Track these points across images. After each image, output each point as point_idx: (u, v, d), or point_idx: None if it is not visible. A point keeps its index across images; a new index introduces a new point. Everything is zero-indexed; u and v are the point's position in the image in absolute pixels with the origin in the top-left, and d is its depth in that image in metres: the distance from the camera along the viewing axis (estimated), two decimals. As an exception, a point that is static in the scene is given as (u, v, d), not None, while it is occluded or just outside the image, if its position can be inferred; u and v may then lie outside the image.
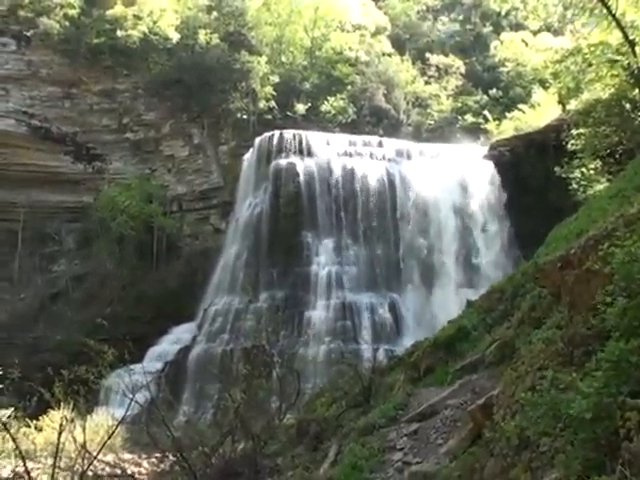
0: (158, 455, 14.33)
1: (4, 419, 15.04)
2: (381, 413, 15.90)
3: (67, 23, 59.77)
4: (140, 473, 14.29)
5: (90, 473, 12.72)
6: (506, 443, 8.71)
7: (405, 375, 18.64)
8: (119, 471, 13.59)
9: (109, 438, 13.35)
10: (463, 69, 69.38)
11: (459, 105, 64.77)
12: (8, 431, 12.85)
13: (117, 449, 15.77)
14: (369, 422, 15.54)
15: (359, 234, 48.10)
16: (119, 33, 59.55)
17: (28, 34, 59.09)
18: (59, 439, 12.02)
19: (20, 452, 12.08)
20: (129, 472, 13.99)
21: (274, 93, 59.78)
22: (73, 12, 60.47)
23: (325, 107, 60.16)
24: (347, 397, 19.11)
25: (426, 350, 19.21)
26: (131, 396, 14.44)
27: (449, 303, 40.22)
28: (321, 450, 15.39)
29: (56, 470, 11.96)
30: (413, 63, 69.71)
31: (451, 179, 48.24)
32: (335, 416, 18.00)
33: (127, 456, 16.09)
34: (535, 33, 63.05)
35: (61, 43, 59.09)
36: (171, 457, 13.97)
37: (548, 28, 46.49)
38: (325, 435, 16.31)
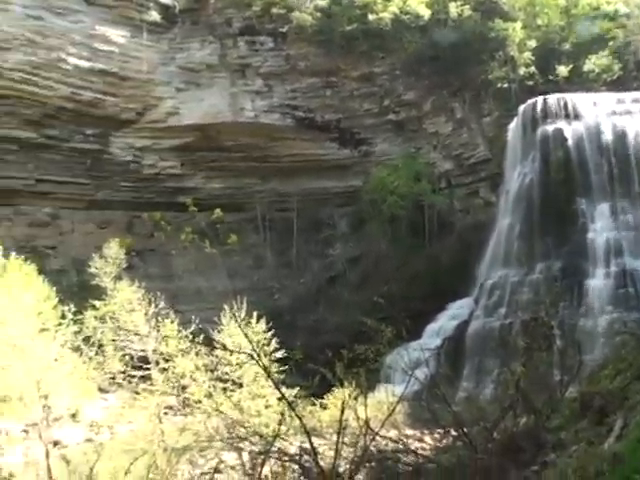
0: (440, 431, 14.38)
1: (290, 398, 15.80)
2: (669, 384, 15.10)
3: (318, 14, 61.83)
4: (423, 448, 14.39)
5: (373, 448, 13.07)
6: None
7: (694, 343, 17.51)
8: (402, 446, 13.82)
9: (389, 414, 13.58)
10: None
11: None
12: (293, 409, 13.46)
13: (399, 425, 16.03)
14: (656, 394, 14.80)
15: (635, 197, 45.74)
16: (370, 17, 60.66)
17: (283, 30, 61.84)
18: (341, 416, 12.44)
19: (305, 429, 12.63)
20: (412, 447, 14.16)
21: (533, 58, 58.19)
22: (323, 3, 62.64)
23: (588, 66, 57.45)
24: (632, 369, 18.27)
25: None
26: (411, 373, 14.64)
27: None
28: (606, 424, 14.78)
29: (341, 446, 12.38)
30: (679, 9, 64.93)
31: None
32: (620, 388, 17.27)
33: (409, 432, 16.34)
34: None
35: (315, 34, 61.15)
36: (452, 433, 14.01)
37: None
38: (610, 408, 15.67)
